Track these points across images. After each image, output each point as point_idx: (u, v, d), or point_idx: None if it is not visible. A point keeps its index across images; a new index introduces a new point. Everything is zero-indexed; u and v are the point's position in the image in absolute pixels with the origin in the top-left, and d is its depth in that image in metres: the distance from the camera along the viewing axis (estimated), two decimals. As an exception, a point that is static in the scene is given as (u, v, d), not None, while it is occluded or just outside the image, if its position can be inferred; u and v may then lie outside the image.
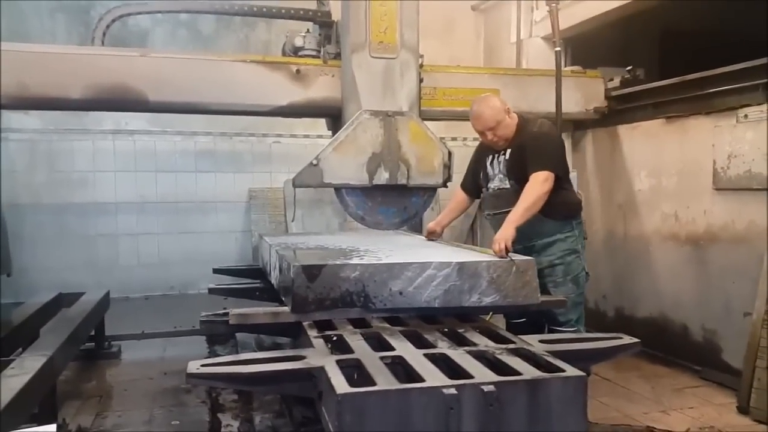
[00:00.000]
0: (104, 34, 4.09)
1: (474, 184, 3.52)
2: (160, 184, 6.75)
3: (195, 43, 6.75)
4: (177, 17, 6.66)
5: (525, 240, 3.12)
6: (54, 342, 3.01)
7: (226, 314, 2.53)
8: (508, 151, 3.24)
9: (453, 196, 3.66)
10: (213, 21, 6.80)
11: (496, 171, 3.31)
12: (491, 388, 1.73)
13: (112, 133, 6.58)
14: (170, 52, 4.19)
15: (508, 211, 3.01)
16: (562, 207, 3.19)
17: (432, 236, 3.50)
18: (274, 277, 3.12)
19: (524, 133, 3.21)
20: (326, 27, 4.13)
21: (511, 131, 3.22)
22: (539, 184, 3.02)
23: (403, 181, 3.52)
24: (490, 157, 3.35)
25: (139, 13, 4.65)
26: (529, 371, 1.87)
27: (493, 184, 3.34)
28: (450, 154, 3.59)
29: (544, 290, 3.03)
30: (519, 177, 3.13)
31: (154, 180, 6.74)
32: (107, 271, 6.46)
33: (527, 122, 3.26)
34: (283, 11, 4.37)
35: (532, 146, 3.13)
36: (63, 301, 4.28)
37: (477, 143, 3.54)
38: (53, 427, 1.82)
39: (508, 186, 3.23)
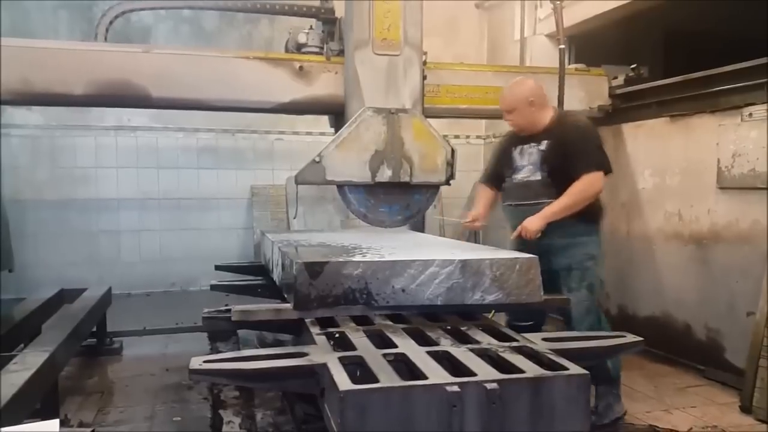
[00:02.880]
0: (107, 30, 4.07)
1: (498, 176, 3.41)
2: (163, 180, 6.76)
3: (198, 39, 6.75)
4: (180, 14, 6.67)
5: (544, 237, 2.99)
6: (56, 338, 3.01)
7: (229, 311, 2.52)
8: (545, 142, 3.10)
9: (478, 192, 3.55)
10: (216, 17, 6.80)
11: (525, 162, 3.17)
12: (494, 385, 1.72)
13: (115, 130, 6.59)
14: (173, 48, 4.19)
15: (536, 203, 2.95)
16: (589, 209, 3.07)
17: (475, 222, 3.41)
18: (276, 274, 3.11)
19: (565, 126, 3.09)
20: (329, 24, 4.11)
21: (530, 122, 3.12)
22: (592, 184, 2.95)
23: (406, 179, 3.51)
24: (519, 147, 3.22)
25: (143, 9, 4.64)
26: (532, 369, 1.85)
27: (520, 175, 3.19)
28: (453, 151, 3.57)
29: (557, 293, 2.97)
30: (553, 169, 3.03)
31: (156, 176, 6.75)
32: (109, 268, 6.48)
33: (565, 115, 3.16)
34: (286, 8, 4.36)
35: (580, 142, 3.03)
36: (65, 297, 4.30)
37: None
38: (55, 422, 1.81)
39: (538, 177, 3.10)
